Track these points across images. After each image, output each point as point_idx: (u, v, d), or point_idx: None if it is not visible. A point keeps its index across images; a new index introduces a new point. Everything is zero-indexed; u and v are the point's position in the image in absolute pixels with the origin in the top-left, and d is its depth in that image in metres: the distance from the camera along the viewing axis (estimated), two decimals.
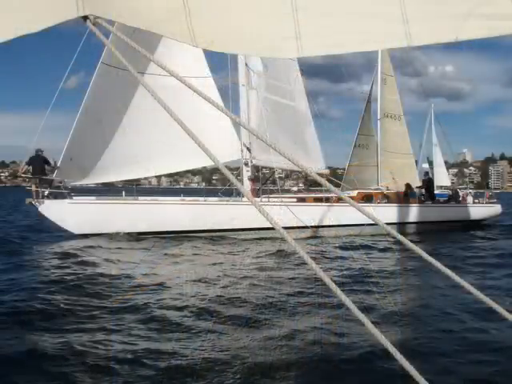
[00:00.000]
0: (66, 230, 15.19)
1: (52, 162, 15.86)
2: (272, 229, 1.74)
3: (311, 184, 24.16)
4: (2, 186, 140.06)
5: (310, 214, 17.54)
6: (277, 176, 20.12)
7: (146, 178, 26.59)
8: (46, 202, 15.11)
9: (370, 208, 14.60)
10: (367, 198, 20.30)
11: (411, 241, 1.78)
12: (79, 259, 11.45)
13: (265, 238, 15.42)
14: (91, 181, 16.72)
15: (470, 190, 25.89)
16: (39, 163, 15.69)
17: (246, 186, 18.06)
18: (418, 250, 1.71)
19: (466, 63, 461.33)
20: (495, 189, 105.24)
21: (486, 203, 23.54)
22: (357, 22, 1.65)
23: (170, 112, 1.68)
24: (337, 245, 15.09)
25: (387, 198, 20.72)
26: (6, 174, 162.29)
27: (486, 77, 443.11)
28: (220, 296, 7.80)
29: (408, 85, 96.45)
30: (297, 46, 1.68)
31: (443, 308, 7.33)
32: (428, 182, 22.71)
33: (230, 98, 18.44)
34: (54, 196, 15.41)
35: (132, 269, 10.27)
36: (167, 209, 16.44)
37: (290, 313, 6.90)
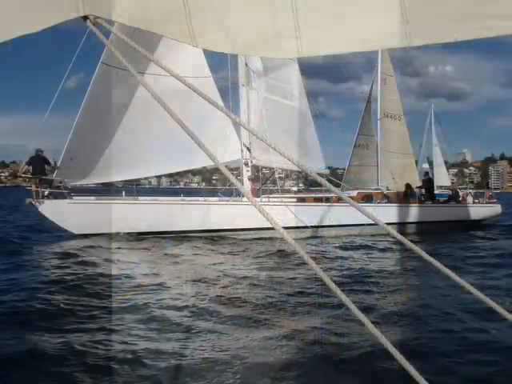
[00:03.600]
0: (66, 230, 15.19)
1: (52, 162, 15.85)
2: (272, 229, 1.74)
3: (311, 184, 24.14)
4: (2, 186, 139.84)
5: (310, 214, 17.54)
6: (277, 176, 20.11)
7: (146, 178, 26.53)
8: (46, 202, 15.10)
9: (370, 208, 14.61)
10: (367, 198, 20.29)
11: (411, 241, 1.77)
12: (79, 259, 11.45)
13: (265, 238, 15.42)
14: (91, 181, 16.70)
15: (470, 190, 25.84)
16: (39, 163, 15.68)
17: (246, 185, 18.05)
18: (418, 250, 1.71)
19: (466, 63, 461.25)
20: (495, 189, 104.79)
21: (486, 203, 23.53)
22: (357, 21, 1.65)
23: (170, 112, 1.68)
24: (337, 245, 15.08)
25: (387, 198, 20.71)
26: (6, 173, 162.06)
27: (486, 77, 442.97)
28: (220, 296, 7.80)
29: (408, 85, 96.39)
30: (297, 46, 1.68)
31: (443, 308, 7.33)
32: (428, 182, 22.71)
33: (229, 97, 18.47)
34: (54, 196, 15.40)
35: (132, 269, 10.27)
36: (167, 209, 16.44)
37: (290, 313, 6.90)
